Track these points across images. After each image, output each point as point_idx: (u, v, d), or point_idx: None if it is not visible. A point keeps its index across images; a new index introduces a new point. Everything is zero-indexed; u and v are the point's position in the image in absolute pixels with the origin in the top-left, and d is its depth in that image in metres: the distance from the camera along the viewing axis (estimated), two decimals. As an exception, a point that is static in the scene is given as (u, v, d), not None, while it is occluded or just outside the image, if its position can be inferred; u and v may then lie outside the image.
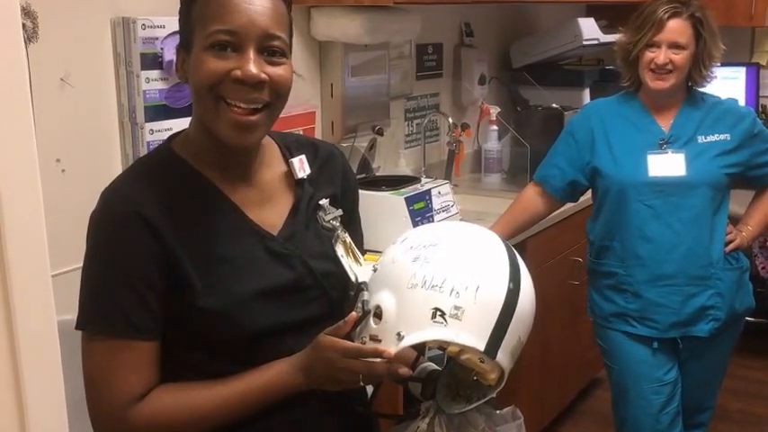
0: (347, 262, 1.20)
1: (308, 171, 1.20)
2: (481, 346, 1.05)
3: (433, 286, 1.05)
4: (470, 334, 1.04)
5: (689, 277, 2.09)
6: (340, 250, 1.20)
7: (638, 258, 2.11)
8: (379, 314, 1.08)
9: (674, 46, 2.04)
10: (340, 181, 1.26)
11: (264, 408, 1.11)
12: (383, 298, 1.08)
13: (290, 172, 1.20)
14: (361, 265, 1.24)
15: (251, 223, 1.14)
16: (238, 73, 1.04)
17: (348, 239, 1.23)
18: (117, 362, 1.07)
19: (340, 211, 1.22)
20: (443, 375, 1.20)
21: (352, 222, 1.27)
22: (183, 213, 1.10)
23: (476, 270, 1.07)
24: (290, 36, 1.12)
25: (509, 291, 1.07)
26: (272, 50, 1.07)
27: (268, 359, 1.12)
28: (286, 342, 1.13)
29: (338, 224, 1.22)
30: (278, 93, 1.09)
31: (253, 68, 1.04)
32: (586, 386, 3.26)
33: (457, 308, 1.04)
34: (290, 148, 1.23)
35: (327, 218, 1.21)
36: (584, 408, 3.21)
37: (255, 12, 1.06)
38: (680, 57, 2.04)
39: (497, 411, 1.18)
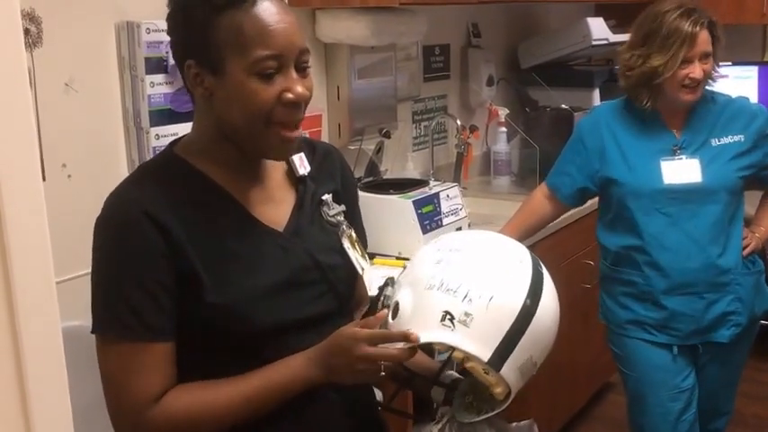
0: (354, 254, 1.21)
1: (308, 168, 1.22)
2: (485, 357, 1.04)
3: (447, 290, 1.06)
4: (476, 342, 1.04)
5: (709, 284, 2.05)
6: (346, 243, 1.22)
7: (657, 268, 2.06)
8: (397, 311, 1.09)
9: (704, 56, 1.99)
10: (340, 177, 1.28)
11: (274, 409, 1.11)
12: (403, 295, 1.09)
13: (290, 171, 1.21)
14: (366, 260, 1.25)
15: (258, 221, 1.15)
16: (291, 96, 1.07)
17: (353, 234, 1.24)
18: (134, 364, 1.07)
19: (343, 207, 1.24)
20: (463, 384, 1.20)
21: (353, 219, 1.28)
22: (190, 212, 1.10)
23: (493, 280, 1.07)
24: None
25: (524, 306, 1.06)
26: (304, 65, 1.10)
27: (273, 361, 1.11)
28: (292, 341, 1.12)
29: (342, 219, 1.23)
30: (307, 102, 1.11)
31: (300, 89, 1.08)
32: (599, 390, 3.22)
33: (467, 314, 1.04)
34: None
35: (331, 213, 1.22)
36: (597, 413, 3.18)
37: (288, 30, 1.07)
38: (708, 65, 2.01)
39: (514, 424, 1.17)
